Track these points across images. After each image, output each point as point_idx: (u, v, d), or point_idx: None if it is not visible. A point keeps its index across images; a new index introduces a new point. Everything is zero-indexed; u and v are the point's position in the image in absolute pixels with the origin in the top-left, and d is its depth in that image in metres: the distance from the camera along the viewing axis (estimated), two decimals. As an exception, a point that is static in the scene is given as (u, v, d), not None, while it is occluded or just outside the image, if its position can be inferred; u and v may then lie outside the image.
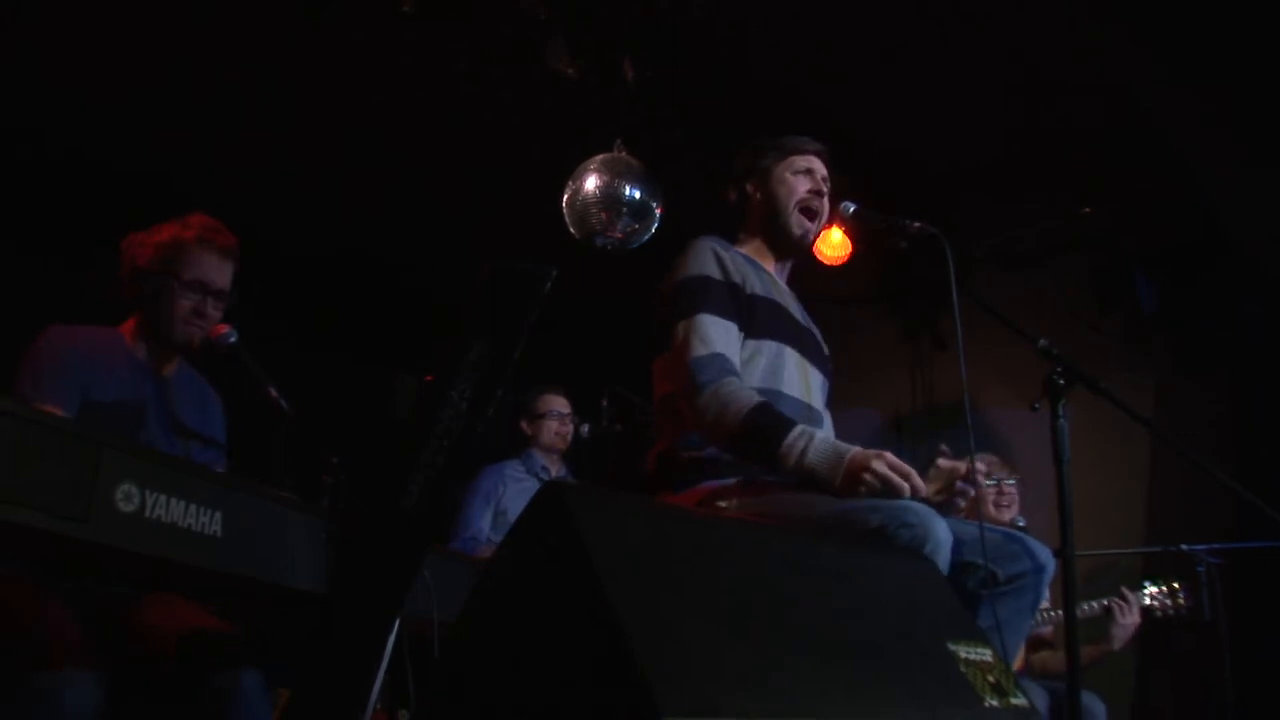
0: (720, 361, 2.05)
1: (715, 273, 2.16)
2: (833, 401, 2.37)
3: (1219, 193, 3.85)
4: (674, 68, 3.63)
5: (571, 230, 3.69)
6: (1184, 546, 3.24)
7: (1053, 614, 3.37)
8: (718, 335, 2.08)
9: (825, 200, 2.32)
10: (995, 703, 1.40)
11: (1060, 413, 2.02)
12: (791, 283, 2.42)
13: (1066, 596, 1.95)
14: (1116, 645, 3.31)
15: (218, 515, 1.41)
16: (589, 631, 1.08)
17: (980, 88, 3.74)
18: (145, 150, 4.05)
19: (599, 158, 3.66)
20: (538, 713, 1.13)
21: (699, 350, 2.05)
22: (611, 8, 3.46)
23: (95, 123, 3.93)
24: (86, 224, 3.65)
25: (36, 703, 1.50)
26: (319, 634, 1.40)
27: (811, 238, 2.34)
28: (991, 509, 3.46)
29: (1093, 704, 3.13)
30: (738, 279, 2.17)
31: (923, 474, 1.94)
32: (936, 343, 4.88)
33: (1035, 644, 3.54)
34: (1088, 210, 4.29)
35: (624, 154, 3.70)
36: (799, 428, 1.94)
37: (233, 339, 2.14)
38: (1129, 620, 3.30)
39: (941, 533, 1.75)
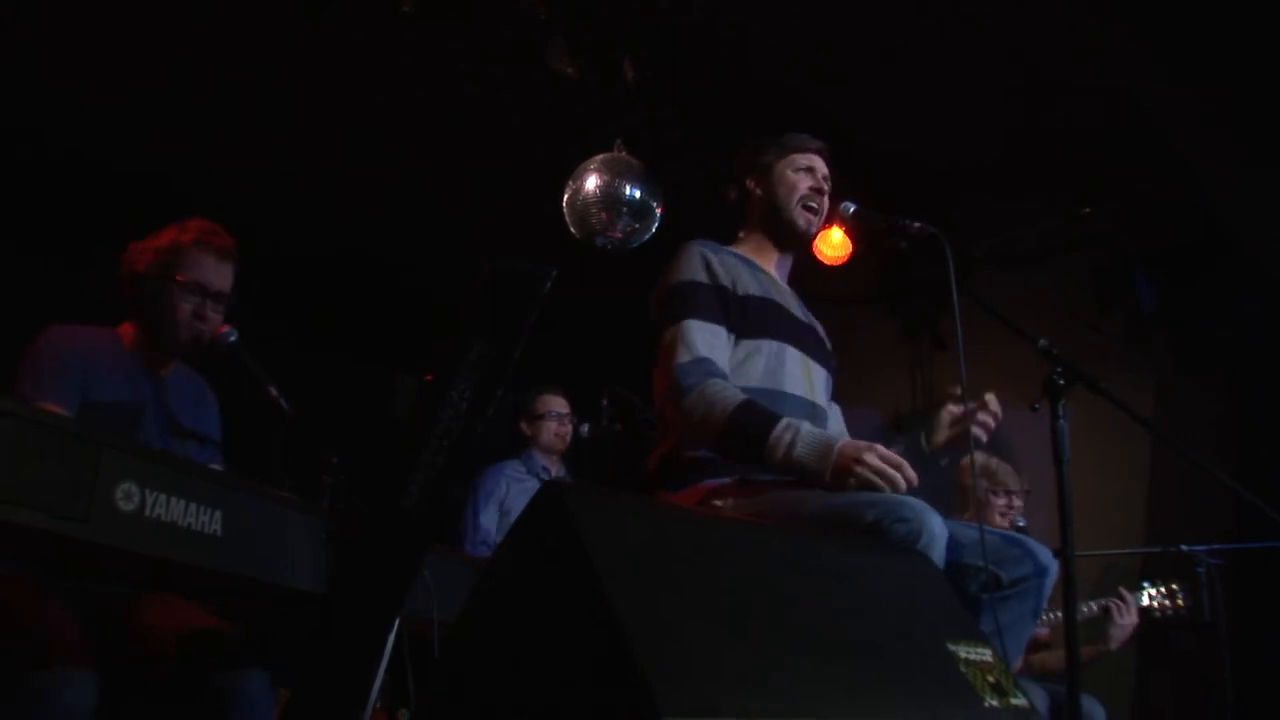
0: (705, 365, 2.05)
1: (702, 277, 2.16)
2: (836, 397, 2.37)
3: (1219, 193, 3.84)
4: (674, 68, 3.63)
5: (571, 230, 3.69)
6: (1184, 547, 3.24)
7: (1050, 615, 3.37)
8: (702, 340, 2.08)
9: (825, 199, 2.32)
10: (995, 703, 1.40)
11: (1060, 413, 2.02)
12: (793, 280, 2.42)
13: (1066, 596, 1.95)
14: (1114, 645, 3.31)
15: (218, 515, 1.41)
16: (589, 631, 1.08)
17: (980, 88, 3.74)
18: (145, 150, 4.05)
19: (599, 157, 3.66)
20: (538, 713, 1.13)
21: (683, 356, 2.06)
22: (611, 8, 3.46)
23: (95, 123, 3.93)
24: (86, 224, 3.65)
25: (34, 702, 1.50)
26: (319, 634, 1.40)
27: (814, 231, 2.34)
28: (997, 518, 3.45)
29: (1092, 708, 3.13)
30: (726, 281, 2.17)
31: (920, 473, 1.93)
32: (936, 343, 4.87)
33: (1033, 645, 3.54)
34: (1088, 210, 4.28)
35: (624, 154, 3.70)
36: (784, 421, 1.94)
37: (233, 339, 2.14)
38: (1126, 621, 3.30)
39: (936, 527, 1.76)
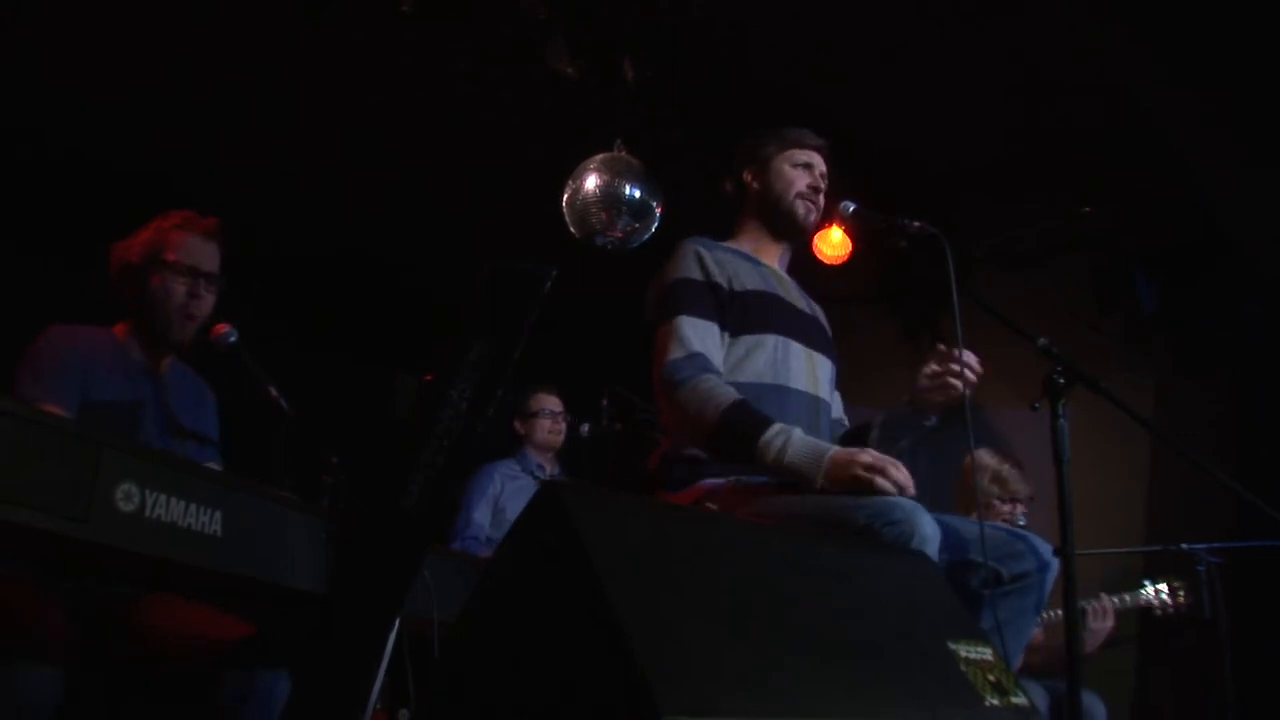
0: (698, 360, 2.05)
1: (696, 274, 2.16)
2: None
3: (1219, 193, 3.84)
4: (674, 68, 3.63)
5: (571, 230, 3.69)
6: (1184, 546, 3.24)
7: (1050, 614, 3.36)
8: (695, 336, 2.08)
9: (822, 197, 2.32)
10: (995, 702, 1.40)
11: (1060, 412, 2.02)
12: (792, 270, 2.42)
13: (1067, 595, 1.95)
14: (1087, 649, 3.27)
15: (218, 515, 1.41)
16: (589, 631, 1.08)
17: (980, 88, 3.73)
18: (145, 150, 4.05)
19: (599, 157, 3.66)
20: (538, 713, 1.13)
21: (676, 352, 2.06)
22: (611, 8, 3.46)
23: (95, 123, 3.93)
24: (86, 224, 3.64)
25: None
26: (319, 634, 1.40)
27: (812, 220, 2.34)
28: (1000, 522, 3.44)
29: (1092, 706, 3.13)
30: (721, 279, 2.17)
31: (917, 479, 1.93)
32: (936, 343, 4.87)
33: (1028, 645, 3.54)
34: (1088, 210, 4.28)
35: (624, 154, 3.70)
36: (777, 425, 1.93)
37: (233, 339, 2.14)
38: (1100, 625, 3.27)
39: (927, 528, 1.76)
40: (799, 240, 2.39)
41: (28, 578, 1.68)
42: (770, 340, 2.16)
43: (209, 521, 1.40)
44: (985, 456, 3.45)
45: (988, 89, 3.74)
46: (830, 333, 2.39)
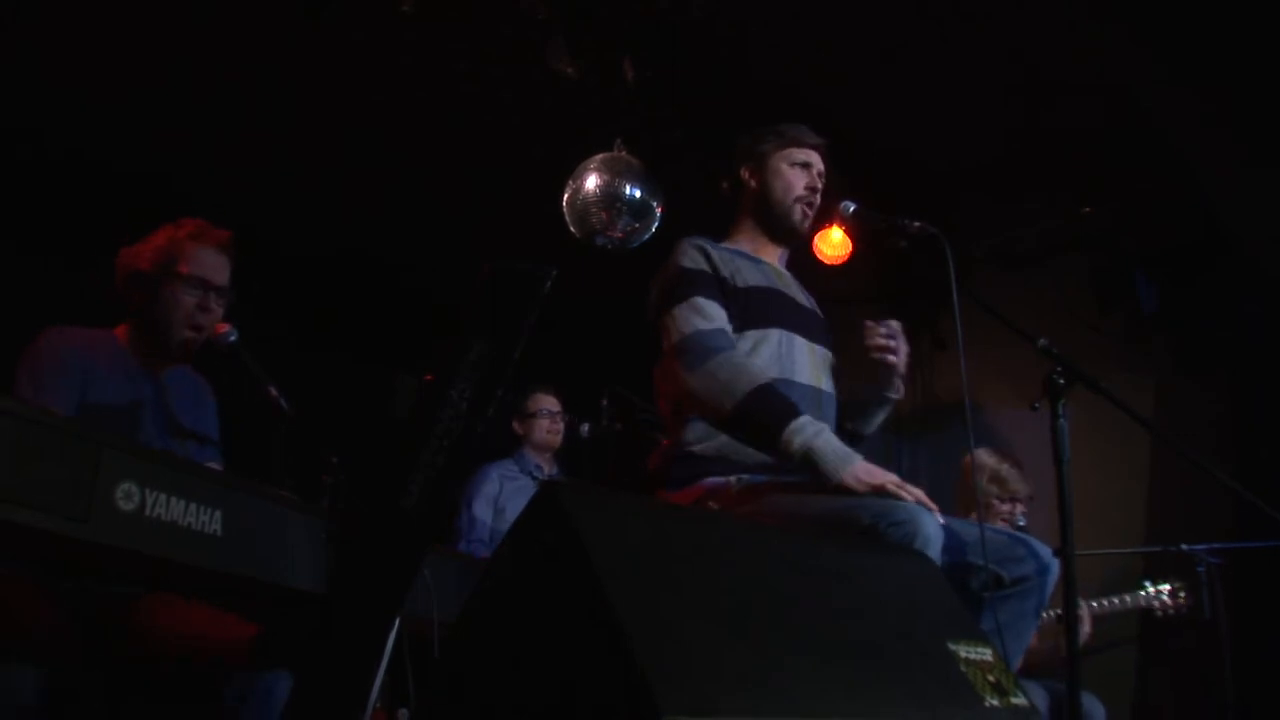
0: (724, 335, 2.05)
1: (702, 265, 2.17)
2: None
3: (1219, 193, 3.84)
4: (674, 68, 3.63)
5: (571, 230, 3.69)
6: (1184, 546, 3.24)
7: (1048, 613, 3.36)
8: (717, 314, 2.09)
9: (819, 197, 2.32)
10: (995, 702, 1.40)
11: (1060, 412, 2.02)
12: (791, 265, 2.42)
13: (1067, 596, 1.95)
14: (1063, 654, 3.26)
15: (218, 515, 1.41)
16: (589, 631, 1.08)
17: (980, 88, 3.73)
18: (145, 150, 4.05)
19: (599, 157, 3.66)
20: (538, 713, 1.13)
21: (702, 324, 2.06)
22: (611, 8, 3.45)
23: (95, 123, 3.93)
24: (86, 224, 3.65)
25: None
26: (319, 634, 1.40)
27: (808, 225, 2.34)
28: (1000, 522, 3.44)
29: (1092, 706, 3.13)
30: (726, 273, 2.17)
31: (918, 480, 1.94)
32: (936, 343, 4.87)
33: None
34: (1088, 210, 4.28)
35: (624, 153, 3.69)
36: (808, 416, 1.94)
37: (233, 338, 2.14)
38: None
39: (931, 530, 1.76)
40: (793, 243, 2.39)
41: (27, 578, 1.68)
42: (775, 335, 2.16)
43: (209, 521, 1.40)
44: (984, 456, 3.45)
45: (988, 89, 3.74)
46: (827, 323, 2.40)
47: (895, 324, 2.19)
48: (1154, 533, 3.95)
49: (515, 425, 4.08)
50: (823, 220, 2.38)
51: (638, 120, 3.75)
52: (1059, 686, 3.04)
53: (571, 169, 3.67)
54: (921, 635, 1.45)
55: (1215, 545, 3.21)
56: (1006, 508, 3.43)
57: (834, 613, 1.38)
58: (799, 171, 2.30)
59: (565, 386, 4.16)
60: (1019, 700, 1.44)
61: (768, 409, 1.94)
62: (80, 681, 1.70)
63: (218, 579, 1.45)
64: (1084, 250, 4.37)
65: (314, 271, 4.74)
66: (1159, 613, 3.39)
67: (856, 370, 2.35)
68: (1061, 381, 2.03)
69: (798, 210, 2.29)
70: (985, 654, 1.48)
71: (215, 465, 2.23)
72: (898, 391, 2.29)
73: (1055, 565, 2.05)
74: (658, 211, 3.69)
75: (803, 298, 2.34)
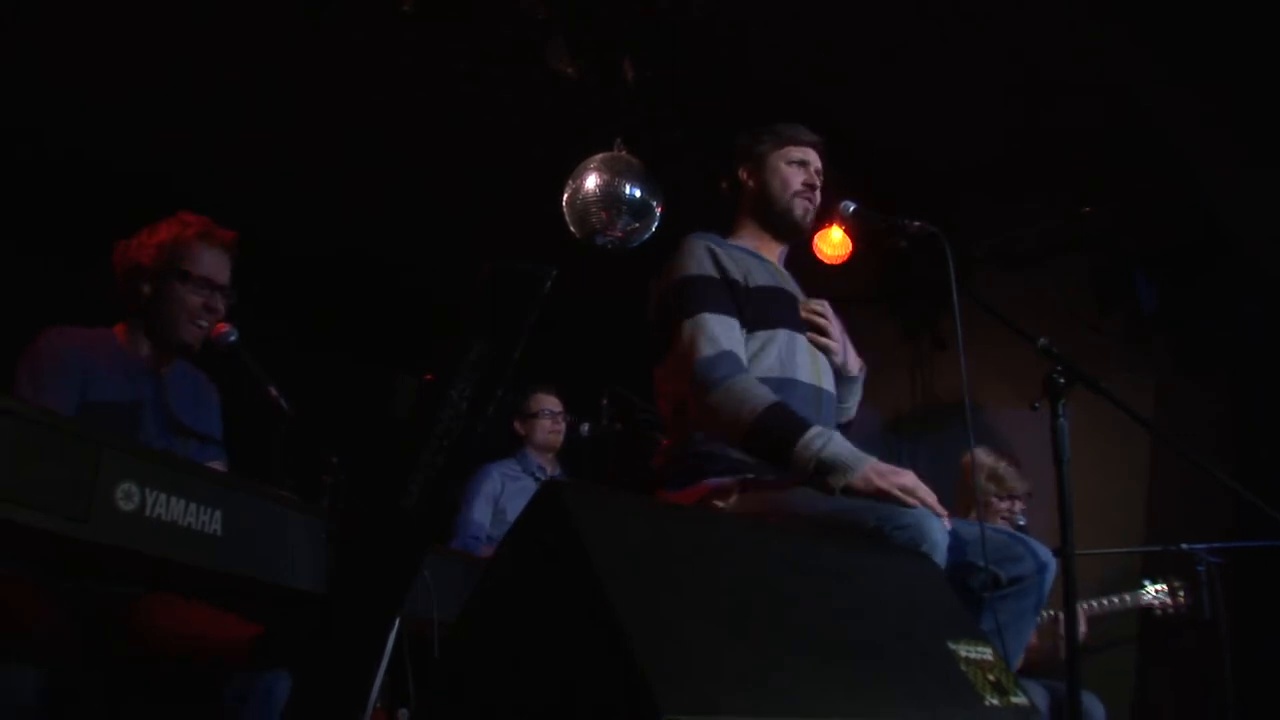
0: (731, 360, 2.04)
1: (712, 271, 2.16)
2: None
3: (1219, 193, 3.84)
4: (674, 68, 3.63)
5: (571, 229, 3.69)
6: (1184, 546, 3.25)
7: (1046, 613, 3.36)
8: (724, 333, 2.08)
9: (818, 194, 2.32)
10: (995, 701, 1.40)
11: (1060, 412, 2.02)
12: (789, 266, 2.42)
13: (1067, 596, 1.95)
14: (1061, 654, 3.25)
15: (218, 515, 1.41)
16: (589, 631, 1.08)
17: (980, 88, 3.74)
18: (145, 150, 4.05)
19: (599, 156, 3.66)
20: (538, 713, 1.13)
21: (707, 350, 2.04)
22: (611, 8, 3.45)
23: (95, 123, 3.93)
24: (86, 224, 3.64)
25: None
26: (319, 634, 1.40)
27: (810, 220, 2.34)
28: (1000, 521, 3.45)
29: (1092, 706, 3.13)
30: (737, 275, 2.17)
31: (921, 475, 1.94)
32: (936, 343, 4.88)
33: None
34: (1088, 210, 4.28)
35: (624, 153, 3.69)
36: (818, 428, 1.94)
37: (233, 338, 2.14)
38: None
39: (937, 534, 1.76)
40: (797, 239, 2.39)
41: (27, 578, 1.68)
42: (781, 335, 2.17)
43: (209, 521, 1.40)
44: (981, 455, 3.46)
45: (988, 89, 3.74)
46: None
47: (823, 302, 2.27)
48: (1154, 532, 3.95)
49: (517, 425, 4.08)
50: (823, 219, 2.38)
51: (638, 120, 3.75)
52: (1059, 686, 3.04)
53: (571, 169, 3.67)
54: (921, 635, 1.45)
55: (1215, 545, 3.22)
56: (1005, 505, 3.43)
57: (834, 613, 1.38)
58: (796, 169, 2.30)
59: (565, 386, 4.16)
60: (1019, 699, 1.44)
61: (774, 435, 1.94)
62: (80, 681, 1.70)
63: (218, 579, 1.45)
64: (1084, 250, 4.38)
65: (314, 271, 4.74)
66: (1159, 612, 3.39)
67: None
68: (1061, 381, 2.03)
69: (797, 207, 2.29)
70: (985, 653, 1.48)
71: (219, 465, 2.23)
72: (851, 369, 2.33)
73: (1053, 564, 2.05)
74: (658, 211, 3.69)
75: (801, 297, 2.35)
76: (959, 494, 3.49)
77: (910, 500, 1.82)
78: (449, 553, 2.61)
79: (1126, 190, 4.11)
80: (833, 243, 3.88)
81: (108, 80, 3.71)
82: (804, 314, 2.24)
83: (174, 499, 1.35)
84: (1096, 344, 4.14)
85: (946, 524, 1.82)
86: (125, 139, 3.98)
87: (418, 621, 1.81)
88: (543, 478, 3.95)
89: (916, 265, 4.48)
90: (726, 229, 2.38)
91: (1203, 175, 3.82)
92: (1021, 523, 3.44)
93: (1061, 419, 2.02)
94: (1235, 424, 3.98)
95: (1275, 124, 3.40)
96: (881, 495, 1.83)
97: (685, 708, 1.01)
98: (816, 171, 2.33)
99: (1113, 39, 3.32)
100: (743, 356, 2.09)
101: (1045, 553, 2.05)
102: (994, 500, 3.41)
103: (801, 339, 2.21)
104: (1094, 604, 3.41)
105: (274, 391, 2.07)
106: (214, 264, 2.17)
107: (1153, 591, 3.41)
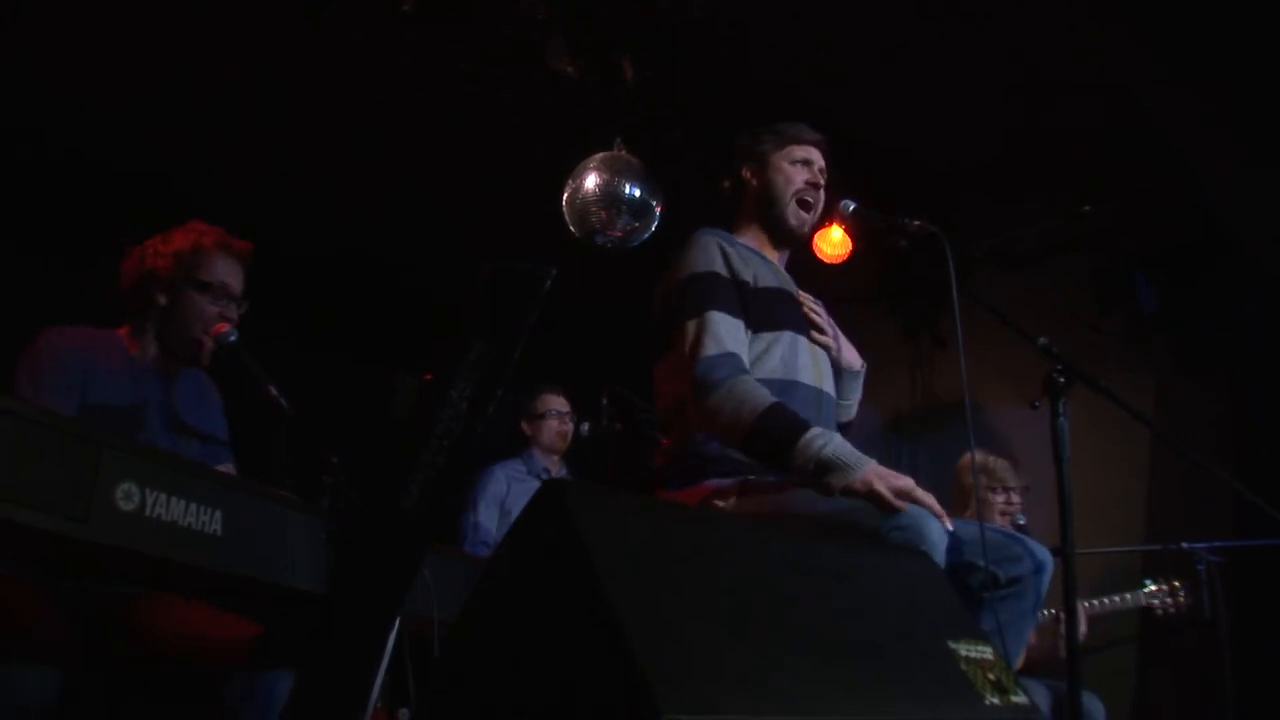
0: (733, 361, 2.03)
1: (722, 269, 2.15)
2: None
3: (1219, 193, 3.85)
4: (674, 68, 3.63)
5: (571, 229, 3.69)
6: (1184, 545, 3.25)
7: (1045, 612, 3.36)
8: (728, 333, 2.07)
9: (821, 192, 2.32)
10: (996, 700, 1.40)
11: (1060, 411, 2.02)
12: (789, 267, 2.42)
13: (1067, 595, 1.95)
14: (1061, 654, 3.25)
15: (218, 515, 1.41)
16: (589, 631, 1.08)
17: (980, 88, 3.74)
18: (145, 150, 4.05)
19: (599, 156, 3.66)
20: (538, 712, 1.13)
21: (711, 349, 2.04)
22: (611, 8, 3.46)
23: (95, 123, 3.93)
24: (86, 224, 3.65)
25: None
26: (319, 634, 1.40)
27: (807, 229, 2.34)
28: (998, 516, 3.45)
29: (1092, 705, 3.13)
30: (745, 275, 2.16)
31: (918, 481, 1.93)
32: (936, 342, 4.88)
33: None
34: (1088, 210, 4.28)
35: (624, 153, 3.69)
36: (817, 429, 1.93)
37: (233, 338, 2.14)
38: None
39: (935, 534, 1.76)
40: (794, 245, 2.39)
41: (27, 578, 1.68)
42: (786, 336, 2.17)
43: (209, 521, 1.40)
44: (975, 454, 3.47)
45: (988, 89, 3.74)
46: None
47: (808, 297, 2.28)
48: (1154, 531, 3.95)
49: (524, 426, 4.06)
50: (823, 219, 2.38)
51: (638, 120, 3.75)
52: (1059, 685, 3.04)
53: (571, 169, 3.67)
54: (922, 635, 1.45)
55: (1215, 544, 3.22)
56: (1000, 498, 3.44)
57: (834, 612, 1.38)
58: (800, 168, 2.30)
59: (565, 386, 4.15)
60: (1019, 698, 1.44)
61: (773, 436, 1.94)
62: (80, 681, 1.70)
63: (218, 579, 1.45)
64: (1084, 250, 4.38)
65: (314, 271, 4.74)
66: (1159, 612, 3.39)
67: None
68: (1061, 380, 2.03)
69: (793, 216, 2.29)
70: (985, 653, 1.48)
71: (227, 467, 2.23)
72: (852, 364, 2.34)
73: (1050, 565, 2.05)
74: (657, 211, 3.69)
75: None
76: (954, 496, 3.50)
77: (900, 504, 1.81)
78: (449, 553, 2.60)
79: (1126, 190, 4.11)
80: (833, 242, 3.88)
81: (108, 80, 3.71)
82: (805, 312, 2.25)
83: (174, 499, 1.35)
84: (1096, 344, 4.14)
85: (947, 525, 1.81)
86: (125, 139, 3.99)
87: (418, 621, 1.81)
88: (548, 479, 3.94)
89: (916, 265, 4.48)
90: (728, 229, 2.38)
91: (1203, 175, 3.82)
92: (1021, 521, 3.45)
93: (1061, 418, 2.02)
94: (1235, 424, 3.98)
95: (1275, 124, 3.41)
96: (878, 498, 1.83)
97: (685, 708, 1.01)
98: (821, 170, 2.32)
99: (1113, 39, 3.32)
100: (745, 358, 2.08)
101: (1043, 553, 2.05)
102: (987, 494, 3.42)
103: (804, 341, 2.21)
104: (1094, 603, 3.42)
105: (274, 391, 2.07)
106: (229, 273, 2.19)
107: (1153, 591, 3.41)
